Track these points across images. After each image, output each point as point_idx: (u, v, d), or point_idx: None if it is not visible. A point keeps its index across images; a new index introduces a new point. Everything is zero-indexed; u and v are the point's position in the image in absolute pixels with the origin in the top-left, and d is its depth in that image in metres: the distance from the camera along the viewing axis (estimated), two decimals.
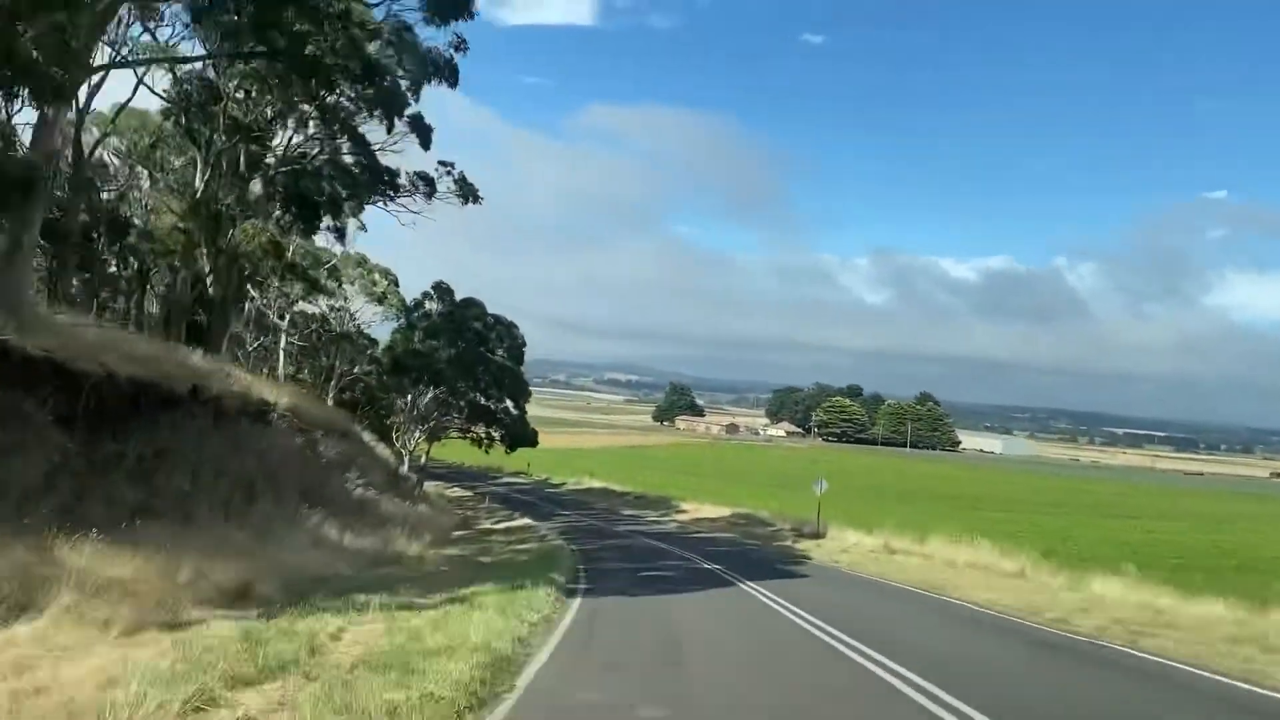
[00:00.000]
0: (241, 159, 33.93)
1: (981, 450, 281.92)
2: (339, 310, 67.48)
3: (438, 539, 29.08)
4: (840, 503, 54.69)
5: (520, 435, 54.41)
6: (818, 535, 37.08)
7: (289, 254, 38.86)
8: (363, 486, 31.33)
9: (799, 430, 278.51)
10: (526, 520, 42.53)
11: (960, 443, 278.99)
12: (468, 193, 41.15)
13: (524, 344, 53.31)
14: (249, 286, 46.26)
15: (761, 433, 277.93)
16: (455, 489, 66.88)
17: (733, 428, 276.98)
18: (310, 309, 68.71)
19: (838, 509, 44.51)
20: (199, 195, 31.94)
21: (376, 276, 66.99)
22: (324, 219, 35.57)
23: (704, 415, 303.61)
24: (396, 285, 63.37)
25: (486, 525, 42.20)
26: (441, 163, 40.90)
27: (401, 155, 39.65)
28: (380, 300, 65.58)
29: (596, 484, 72.80)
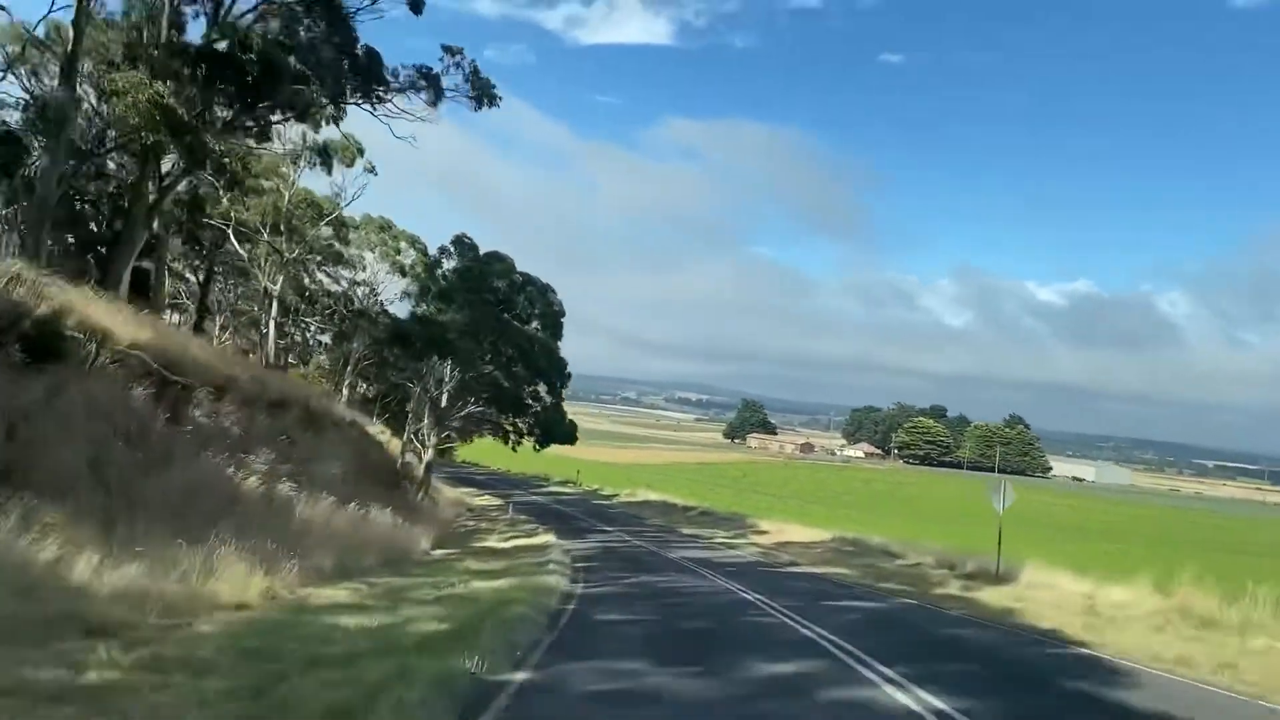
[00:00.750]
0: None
1: (1074, 478, 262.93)
2: (362, 285, 57.64)
3: (341, 569, 17.73)
4: (972, 532, 42.47)
5: (554, 427, 42.90)
6: (999, 579, 23.61)
7: (232, 159, 28.38)
8: (294, 482, 20.57)
9: (878, 451, 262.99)
10: (549, 538, 31.16)
11: (1051, 469, 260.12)
12: (481, 91, 30.40)
13: (562, 313, 41.92)
14: (201, 218, 36.19)
15: (838, 453, 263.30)
16: (486, 496, 56.20)
17: (807, 447, 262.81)
18: (332, 285, 59.03)
19: (973, 538, 32.59)
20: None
21: (402, 244, 56.82)
22: (273, 96, 24.86)
23: (777, 433, 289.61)
24: (426, 254, 53.00)
25: (492, 543, 31.13)
26: (447, 48, 30.17)
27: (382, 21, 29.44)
28: (403, 272, 55.39)
29: (654, 496, 61.30)
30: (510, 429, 43.57)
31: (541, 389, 42.43)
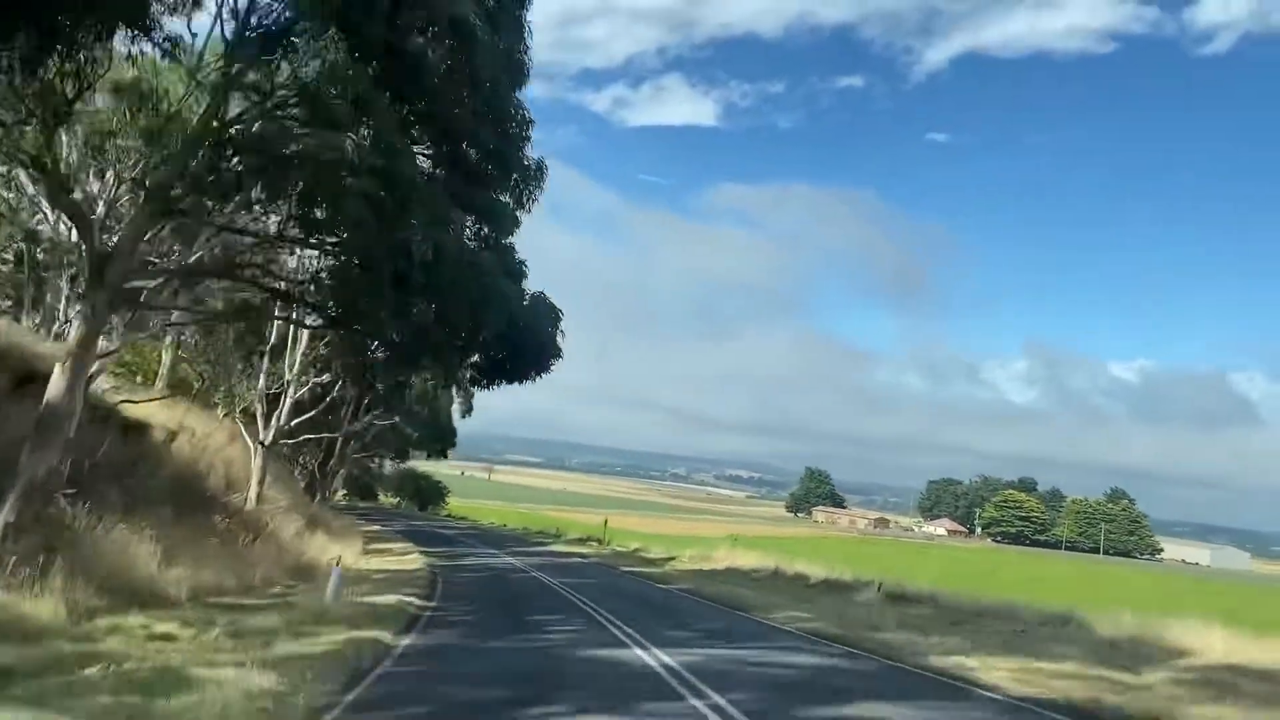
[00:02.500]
0: None
1: (1185, 561, 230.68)
2: None
3: None
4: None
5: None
6: None
7: None
8: None
9: (961, 528, 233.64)
10: None
11: (1163, 550, 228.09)
12: None
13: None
14: None
15: (916, 530, 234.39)
16: (414, 555, 32.62)
17: (881, 522, 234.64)
18: None
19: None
20: None
21: None
22: None
23: (845, 507, 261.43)
24: None
25: None
26: None
27: None
28: None
29: (752, 562, 36.15)
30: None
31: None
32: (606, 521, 54.91)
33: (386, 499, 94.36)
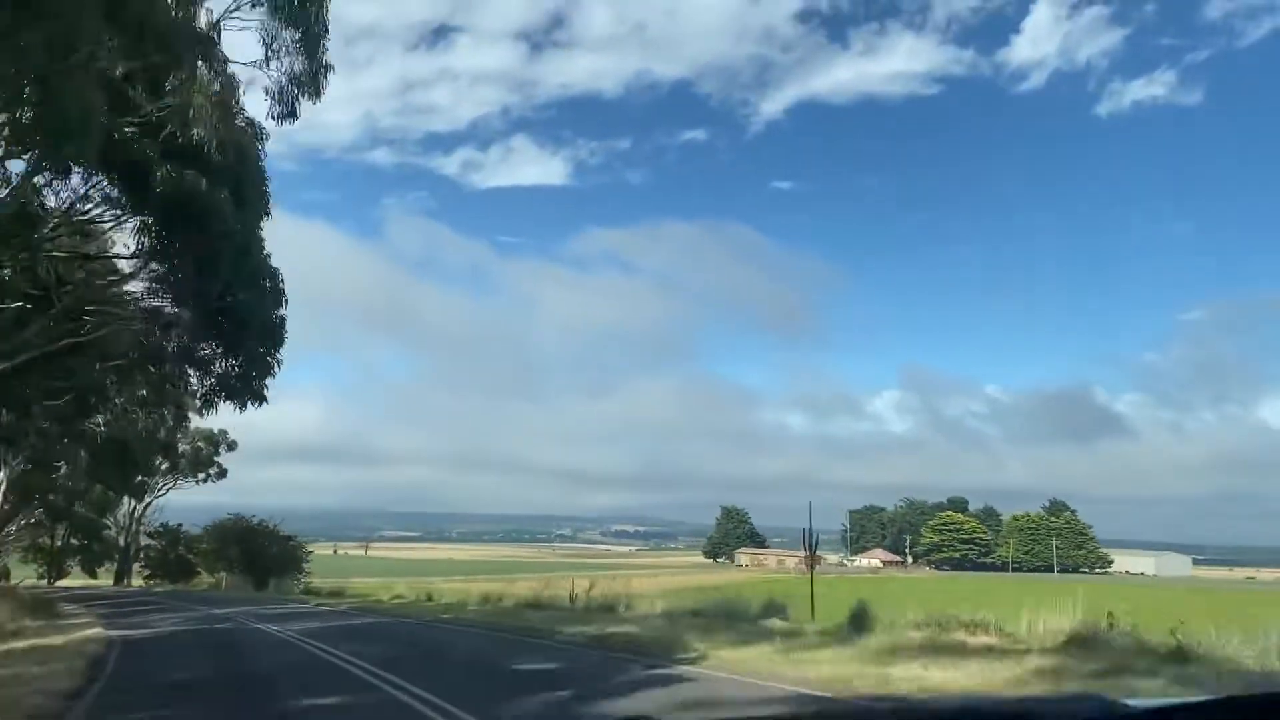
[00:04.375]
0: None
1: (1127, 571, 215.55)
2: None
3: None
4: None
5: None
6: None
7: None
8: None
9: (895, 558, 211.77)
10: None
11: (1113, 562, 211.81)
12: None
13: None
14: None
15: (848, 563, 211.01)
16: None
17: (816, 558, 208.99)
18: None
19: None
20: None
21: None
22: None
23: (767, 546, 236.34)
24: None
25: None
26: None
27: None
28: None
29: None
30: None
31: None
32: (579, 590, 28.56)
33: (205, 577, 64.52)
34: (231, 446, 64.21)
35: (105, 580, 69.26)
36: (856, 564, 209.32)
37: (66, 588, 60.52)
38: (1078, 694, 2.88)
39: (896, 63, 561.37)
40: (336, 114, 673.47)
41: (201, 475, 64.23)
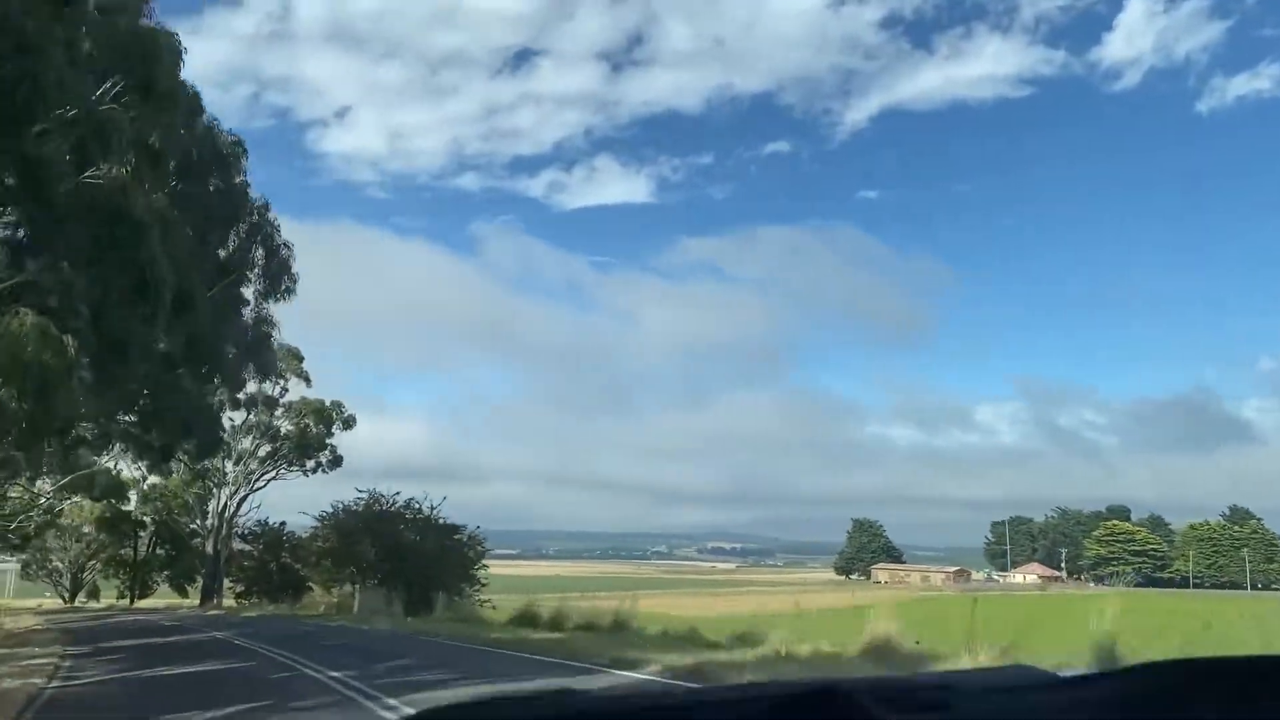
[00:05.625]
0: None
1: None
2: None
3: None
4: None
5: None
6: None
7: None
8: None
9: (1054, 572, 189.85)
10: None
11: None
12: None
13: None
14: None
15: (999, 579, 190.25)
16: None
17: (961, 574, 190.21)
18: None
19: None
20: None
21: None
22: None
23: (904, 561, 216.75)
24: None
25: None
26: None
27: None
28: None
29: None
30: None
31: None
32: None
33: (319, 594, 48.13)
34: (349, 424, 50.16)
35: (194, 599, 56.02)
36: (1009, 580, 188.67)
37: (133, 611, 47.77)
38: (1006, 665, 2.41)
39: (984, 66, 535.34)
40: (424, 141, 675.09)
41: (310, 463, 50.44)
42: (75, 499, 41.35)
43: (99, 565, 70.39)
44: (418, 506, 37.18)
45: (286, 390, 49.19)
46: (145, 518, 59.16)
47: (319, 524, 38.34)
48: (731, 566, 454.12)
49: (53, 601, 76.10)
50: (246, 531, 47.73)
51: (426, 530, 36.59)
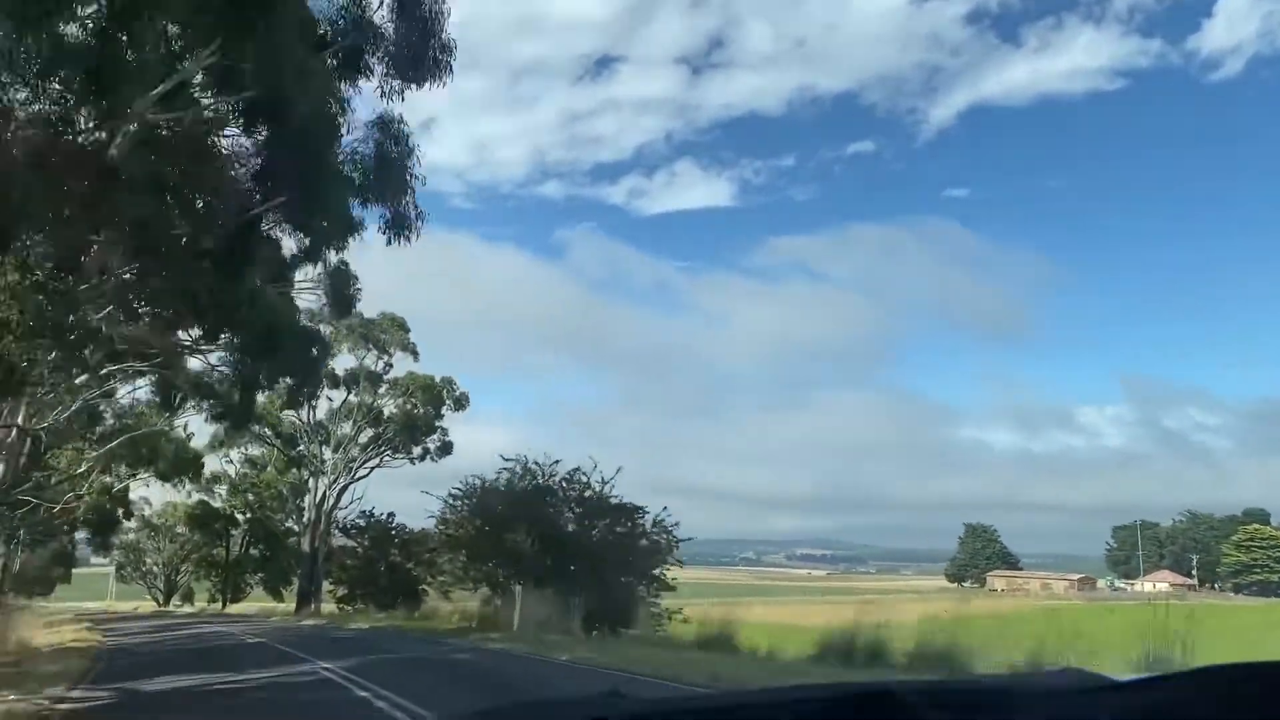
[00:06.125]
0: None
1: None
2: None
3: None
4: None
5: None
6: None
7: None
8: None
9: (1186, 580, 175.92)
10: None
11: None
12: None
13: None
14: None
15: (1126, 588, 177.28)
16: None
17: (1086, 582, 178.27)
18: None
19: None
20: None
21: None
22: None
23: (1020, 568, 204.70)
24: None
25: None
26: None
27: None
28: None
29: None
30: None
31: None
32: None
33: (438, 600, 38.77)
34: (460, 403, 43.91)
35: (289, 603, 50.60)
36: (1136, 589, 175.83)
37: (217, 618, 42.09)
38: (1060, 669, 2.32)
39: (1075, 58, 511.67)
40: (507, 151, 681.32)
41: (417, 449, 44.62)
42: (142, 475, 34.84)
43: (190, 567, 66.40)
44: (583, 479, 28.33)
45: (391, 366, 43.58)
46: (236, 513, 54.40)
47: (448, 506, 30.36)
48: (823, 573, 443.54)
49: (150, 604, 72.62)
50: (349, 524, 41.69)
51: (598, 512, 27.94)
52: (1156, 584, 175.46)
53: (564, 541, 27.49)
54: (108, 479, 30.33)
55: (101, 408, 23.85)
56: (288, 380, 19.37)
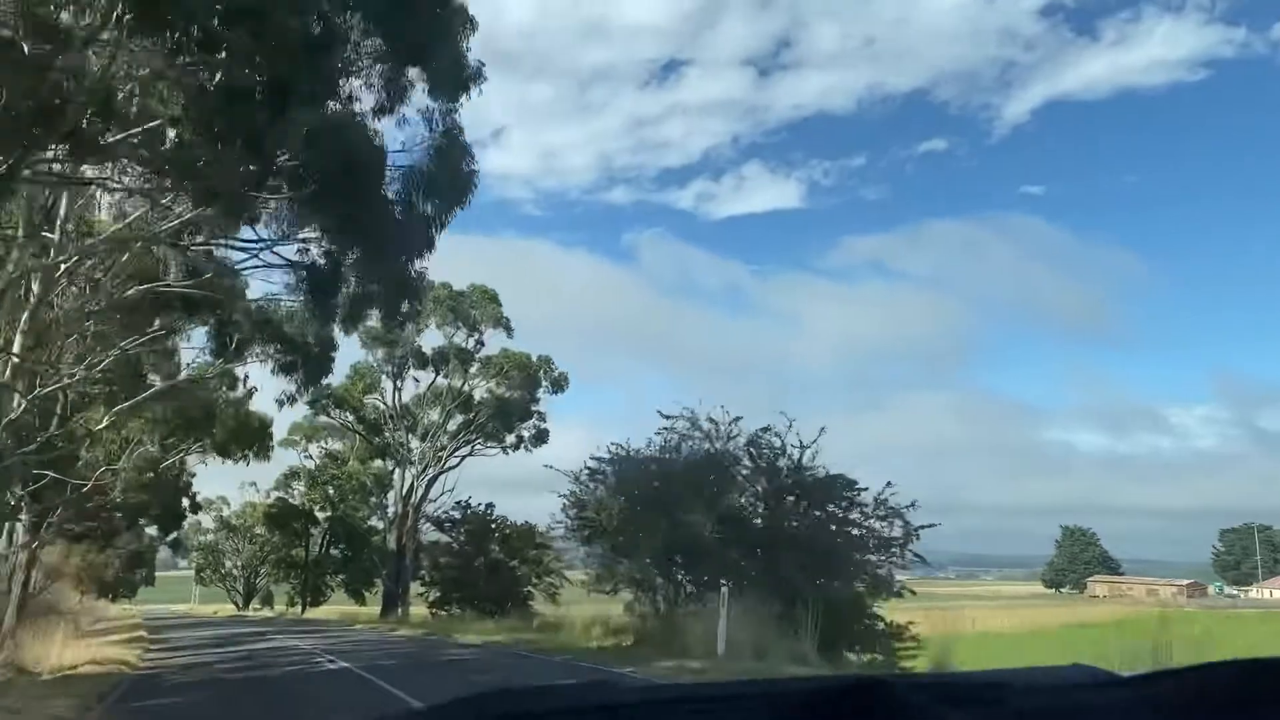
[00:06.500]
0: None
1: None
2: None
3: None
4: None
5: None
6: None
7: None
8: None
9: None
10: None
11: None
12: None
13: None
14: None
15: (1239, 595, 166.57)
16: None
17: (1196, 588, 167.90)
18: None
19: None
20: None
21: None
22: None
23: (1122, 573, 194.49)
24: None
25: None
26: None
27: None
28: None
29: None
30: None
31: None
32: None
33: (552, 606, 35.39)
34: (559, 384, 39.28)
35: (373, 607, 46.50)
36: (1251, 595, 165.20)
37: (292, 626, 37.25)
38: (1065, 665, 1.92)
39: (1154, 50, 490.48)
40: (575, 158, 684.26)
41: (510, 436, 40.35)
42: (195, 448, 29.29)
43: (269, 569, 63.46)
44: (775, 443, 21.78)
45: (482, 344, 39.40)
46: (316, 508, 50.91)
47: (583, 483, 23.76)
48: (906, 577, 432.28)
49: (230, 608, 70.17)
50: (443, 517, 36.90)
51: (805, 490, 21.45)
52: (1273, 591, 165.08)
53: (766, 529, 21.53)
54: (151, 448, 25.35)
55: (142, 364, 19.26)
56: (376, 287, 14.48)
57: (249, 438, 28.79)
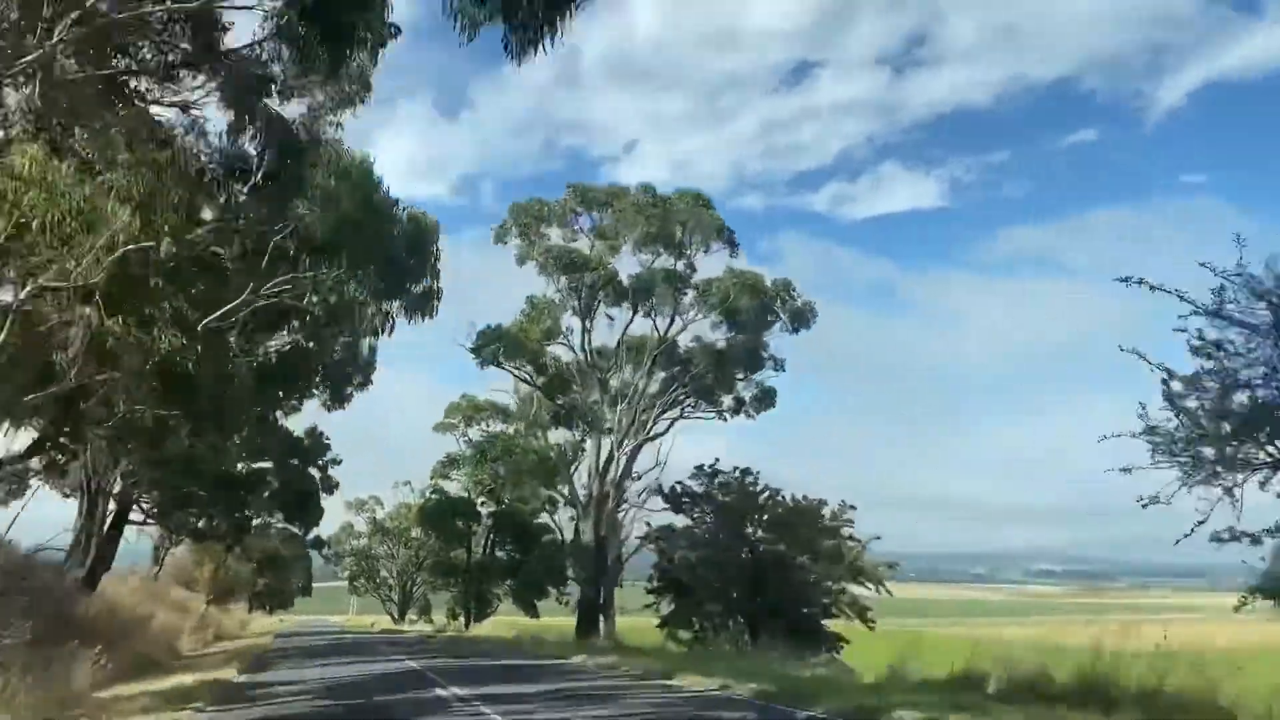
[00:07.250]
0: None
1: None
2: None
3: None
4: None
5: None
6: None
7: None
8: None
9: None
10: None
11: None
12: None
13: None
14: None
15: None
16: None
17: None
18: None
19: None
20: None
21: None
22: None
23: None
24: None
25: None
26: None
27: None
28: None
29: None
30: None
31: None
32: None
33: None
34: (801, 319, 29.44)
35: (561, 620, 36.64)
36: None
37: (447, 650, 27.33)
38: None
39: None
40: (707, 165, 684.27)
41: (728, 399, 31.01)
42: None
43: (425, 575, 56.39)
44: None
45: (693, 268, 29.90)
46: (479, 498, 42.72)
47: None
48: (1058, 590, 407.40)
49: (385, 620, 64.33)
50: (679, 491, 26.18)
51: None
52: None
53: None
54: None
55: None
56: None
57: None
